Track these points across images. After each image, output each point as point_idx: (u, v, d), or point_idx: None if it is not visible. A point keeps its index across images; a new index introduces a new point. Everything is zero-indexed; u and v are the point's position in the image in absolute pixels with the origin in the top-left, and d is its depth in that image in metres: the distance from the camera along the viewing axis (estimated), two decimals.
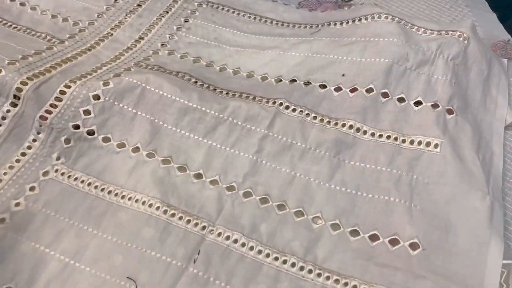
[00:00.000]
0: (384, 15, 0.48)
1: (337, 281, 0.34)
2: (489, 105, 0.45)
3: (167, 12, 0.55)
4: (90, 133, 0.41)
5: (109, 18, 0.54)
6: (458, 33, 0.46)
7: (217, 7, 0.56)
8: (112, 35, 0.52)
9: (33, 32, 0.51)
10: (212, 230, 0.36)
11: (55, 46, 0.48)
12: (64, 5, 0.54)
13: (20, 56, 0.44)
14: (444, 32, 0.47)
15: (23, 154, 0.39)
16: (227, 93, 0.45)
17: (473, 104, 0.44)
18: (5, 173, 0.38)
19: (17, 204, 0.37)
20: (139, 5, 0.56)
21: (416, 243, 0.35)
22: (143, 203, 0.37)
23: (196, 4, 0.56)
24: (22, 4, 0.54)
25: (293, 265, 0.35)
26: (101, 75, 0.44)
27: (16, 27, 0.52)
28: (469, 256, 0.34)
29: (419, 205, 0.37)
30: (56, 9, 0.53)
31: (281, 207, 0.38)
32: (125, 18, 0.54)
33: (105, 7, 0.55)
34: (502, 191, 0.40)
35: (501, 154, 0.42)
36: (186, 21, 0.54)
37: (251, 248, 0.35)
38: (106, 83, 0.42)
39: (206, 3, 0.56)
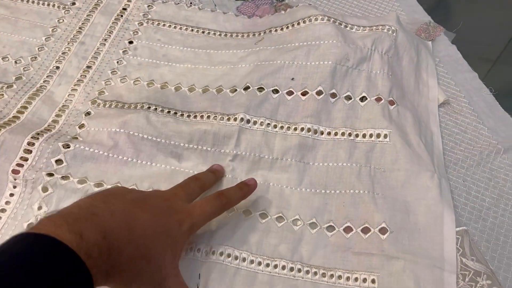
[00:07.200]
0: (320, 17, 0.51)
1: (323, 274, 0.38)
2: (422, 89, 0.51)
3: (109, 35, 0.55)
4: (65, 177, 0.42)
5: (51, 50, 0.53)
6: (387, 27, 0.51)
7: (158, 24, 0.56)
8: (58, 68, 0.51)
9: None
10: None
11: (5, 93, 0.47)
12: None
13: None
14: (375, 27, 0.52)
15: (3, 211, 0.40)
16: (188, 116, 0.47)
17: (408, 91, 0.50)
18: None
19: None
20: (78, 32, 0.55)
21: (385, 228, 0.40)
22: None
23: (136, 23, 0.56)
24: None
25: (283, 267, 0.39)
26: (59, 135, 0.44)
27: None
28: (428, 231, 0.40)
29: (380, 193, 0.42)
30: None
31: (263, 215, 0.41)
32: (67, 47, 0.53)
33: (44, 38, 0.54)
34: (444, 165, 0.46)
35: (439, 132, 0.48)
36: (130, 42, 0.54)
37: (244, 260, 0.39)
38: (66, 145, 0.43)
39: (146, 21, 0.56)
